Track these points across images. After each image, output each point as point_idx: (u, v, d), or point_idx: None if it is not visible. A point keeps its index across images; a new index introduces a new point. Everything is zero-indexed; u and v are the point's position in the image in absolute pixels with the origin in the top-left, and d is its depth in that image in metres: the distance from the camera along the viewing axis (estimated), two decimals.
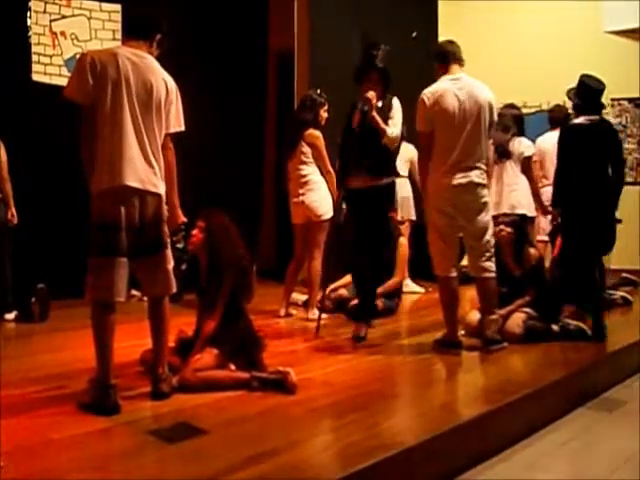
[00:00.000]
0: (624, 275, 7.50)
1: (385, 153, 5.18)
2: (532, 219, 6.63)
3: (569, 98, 6.04)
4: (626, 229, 8.67)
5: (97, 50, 4.13)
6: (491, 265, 4.81)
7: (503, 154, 6.41)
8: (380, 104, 5.12)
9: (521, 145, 6.46)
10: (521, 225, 5.50)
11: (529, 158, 6.53)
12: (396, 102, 5.25)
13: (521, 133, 6.56)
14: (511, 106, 6.84)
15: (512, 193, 6.41)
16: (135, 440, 3.12)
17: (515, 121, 6.53)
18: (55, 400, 3.65)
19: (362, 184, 5.16)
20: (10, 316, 5.95)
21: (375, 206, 5.22)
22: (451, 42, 4.99)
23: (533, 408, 3.89)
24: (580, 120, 5.75)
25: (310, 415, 3.50)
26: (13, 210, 5.99)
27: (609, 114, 9.16)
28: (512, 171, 6.46)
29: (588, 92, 5.82)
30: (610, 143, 5.80)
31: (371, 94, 5.04)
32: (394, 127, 5.13)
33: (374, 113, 5.04)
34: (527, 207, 6.45)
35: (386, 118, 5.12)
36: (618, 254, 7.83)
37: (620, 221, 6.27)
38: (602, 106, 5.89)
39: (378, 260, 5.37)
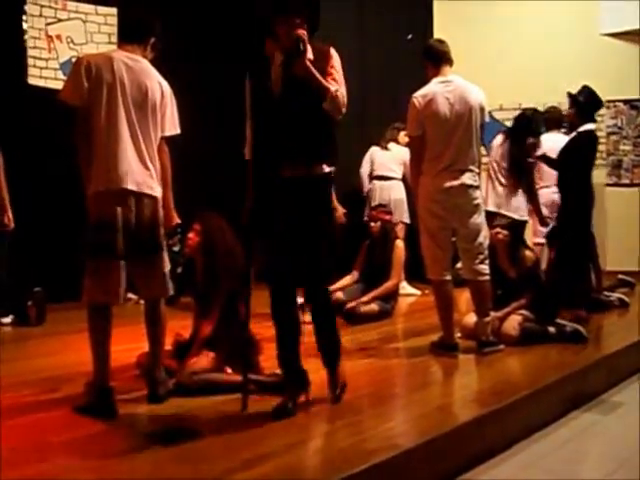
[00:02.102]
0: (620, 277, 7.51)
1: (325, 125, 3.56)
2: (523, 223, 6.61)
3: (572, 98, 6.21)
4: (622, 231, 8.73)
5: (93, 54, 4.16)
6: (485, 268, 4.81)
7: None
8: (310, 54, 3.50)
9: None
10: (517, 227, 5.51)
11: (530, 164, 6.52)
12: (334, 52, 3.64)
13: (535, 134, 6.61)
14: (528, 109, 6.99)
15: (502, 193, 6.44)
16: (132, 443, 3.11)
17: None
18: (52, 403, 3.65)
19: (293, 173, 3.54)
20: (6, 320, 5.95)
21: (314, 204, 3.57)
22: (441, 41, 4.99)
23: (530, 410, 3.89)
24: (592, 127, 6.13)
25: (307, 418, 3.50)
26: (9, 214, 5.98)
27: (605, 115, 9.20)
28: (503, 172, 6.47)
29: (595, 101, 6.10)
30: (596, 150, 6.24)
31: (302, 32, 3.45)
32: (337, 85, 3.52)
33: (308, 62, 3.45)
34: (514, 211, 6.42)
35: (322, 73, 3.50)
36: (615, 256, 7.87)
37: None
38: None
39: (322, 284, 3.73)
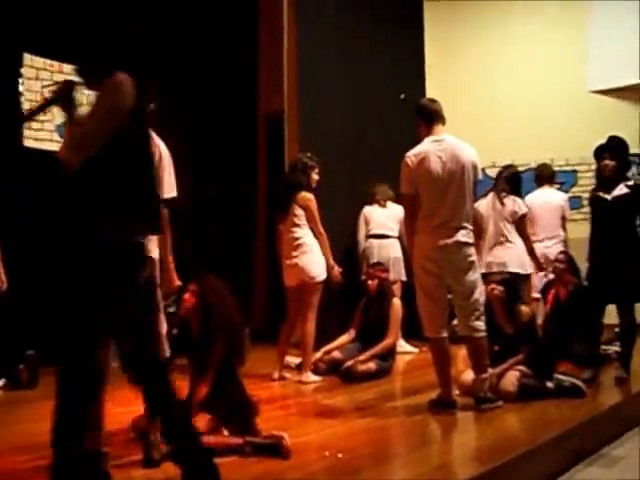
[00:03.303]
0: (618, 330, 7.47)
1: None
2: (527, 277, 6.64)
3: (610, 149, 5.79)
4: None
5: None
6: (481, 324, 4.80)
7: None
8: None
9: (515, 204, 6.52)
10: (512, 283, 5.51)
11: (524, 216, 6.55)
12: (112, 81, 2.97)
13: (515, 192, 6.62)
14: (507, 167, 6.95)
15: (502, 251, 6.45)
16: None
17: (507, 181, 6.61)
18: (45, 469, 3.58)
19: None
20: None
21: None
22: (433, 100, 5.07)
23: (530, 467, 3.84)
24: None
25: (306, 478, 3.44)
26: (3, 276, 5.97)
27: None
28: (505, 229, 6.50)
29: (627, 146, 5.89)
30: None
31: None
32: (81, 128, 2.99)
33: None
34: (519, 265, 6.48)
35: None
36: (612, 309, 7.80)
37: None
38: None
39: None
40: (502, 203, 6.48)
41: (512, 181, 6.63)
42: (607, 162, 5.68)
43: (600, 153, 5.78)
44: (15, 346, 6.01)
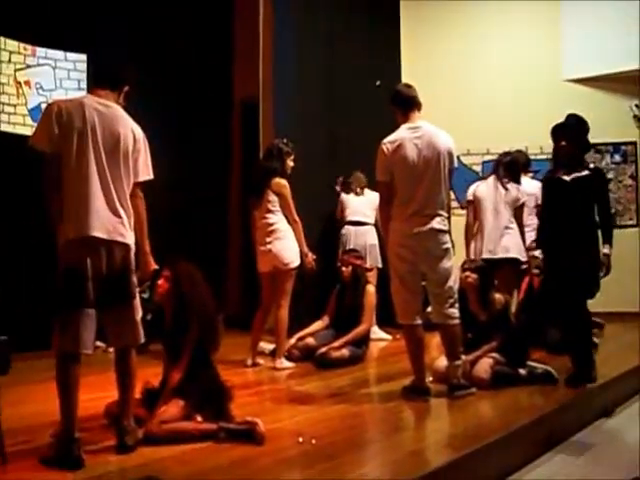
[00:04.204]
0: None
1: None
2: (522, 263, 6.67)
3: (567, 130, 5.35)
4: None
5: (64, 99, 4.12)
6: (454, 312, 4.82)
7: None
8: None
9: (519, 192, 6.56)
10: (486, 270, 5.54)
11: (523, 204, 6.58)
12: None
13: (515, 179, 6.65)
14: (506, 154, 6.94)
15: (504, 237, 6.49)
16: None
17: (507, 168, 6.62)
18: (17, 455, 3.55)
19: None
20: None
21: None
22: (408, 86, 5.04)
23: (502, 453, 3.88)
24: None
25: (279, 466, 3.45)
26: None
27: None
28: (507, 216, 6.53)
29: (587, 127, 5.41)
30: None
31: None
32: None
33: None
34: (519, 252, 6.53)
35: None
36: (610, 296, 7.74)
37: None
38: None
39: None
40: (506, 189, 6.51)
41: (512, 168, 6.66)
42: (564, 143, 5.30)
43: (557, 133, 5.38)
44: None
